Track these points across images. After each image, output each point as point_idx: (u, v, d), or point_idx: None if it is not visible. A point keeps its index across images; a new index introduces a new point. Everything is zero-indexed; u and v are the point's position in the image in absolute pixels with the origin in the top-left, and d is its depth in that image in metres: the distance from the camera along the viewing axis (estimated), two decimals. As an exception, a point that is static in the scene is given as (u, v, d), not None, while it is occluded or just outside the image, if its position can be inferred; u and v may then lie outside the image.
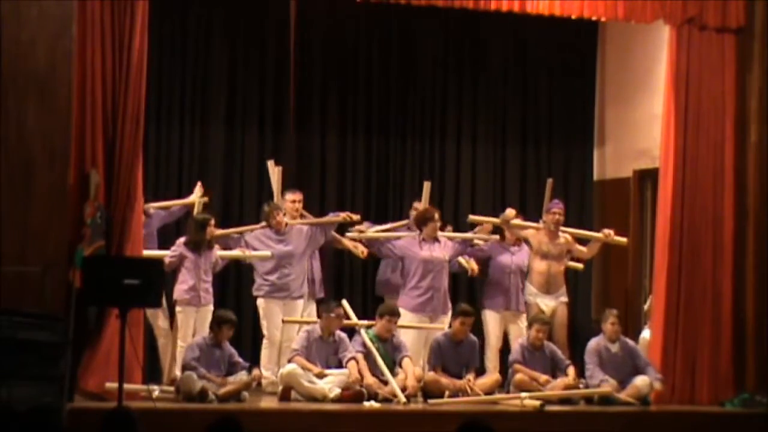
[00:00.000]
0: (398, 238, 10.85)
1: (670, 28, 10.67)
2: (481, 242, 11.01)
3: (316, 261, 10.85)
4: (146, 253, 9.79)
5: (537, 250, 10.87)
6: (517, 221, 11.04)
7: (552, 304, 10.85)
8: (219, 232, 10.48)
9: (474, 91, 12.44)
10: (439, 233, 10.78)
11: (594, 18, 10.81)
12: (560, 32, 12.10)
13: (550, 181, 11.75)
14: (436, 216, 10.73)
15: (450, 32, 12.29)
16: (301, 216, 10.81)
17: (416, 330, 10.56)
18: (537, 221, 11.27)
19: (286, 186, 11.01)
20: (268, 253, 10.38)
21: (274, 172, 11.02)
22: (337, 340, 9.96)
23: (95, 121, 9.09)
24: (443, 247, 10.73)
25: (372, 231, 10.95)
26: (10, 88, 8.69)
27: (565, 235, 10.97)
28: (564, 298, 10.92)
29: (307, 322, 10.25)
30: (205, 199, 10.76)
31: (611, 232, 10.99)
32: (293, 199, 10.81)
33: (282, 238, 10.49)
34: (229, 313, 9.85)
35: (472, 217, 11.24)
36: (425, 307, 10.58)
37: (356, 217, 10.80)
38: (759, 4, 10.69)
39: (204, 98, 11.69)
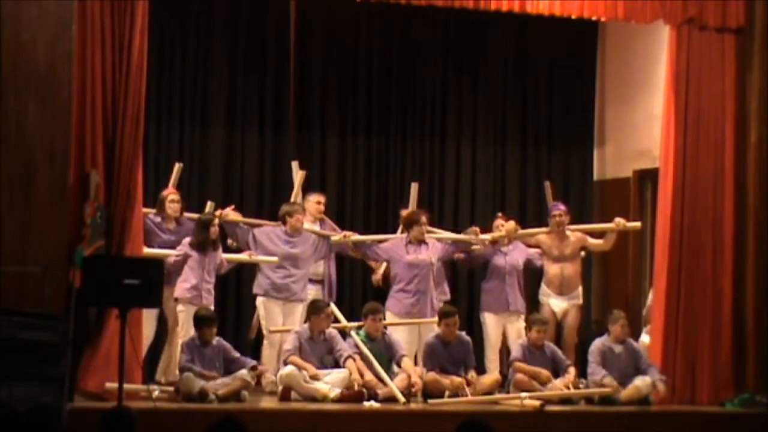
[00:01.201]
0: (385, 240, 10.84)
1: (670, 28, 10.67)
2: (478, 247, 10.98)
3: (333, 262, 10.88)
4: (151, 251, 9.85)
5: (548, 254, 10.89)
6: (523, 230, 11.05)
7: (564, 305, 10.86)
8: (232, 217, 10.50)
9: (474, 91, 12.44)
10: (428, 235, 10.78)
11: (594, 18, 10.81)
12: (560, 32, 12.10)
13: (547, 183, 11.74)
14: (423, 219, 10.69)
15: (450, 32, 12.29)
16: (321, 221, 10.84)
17: (407, 330, 10.54)
18: (539, 221, 11.28)
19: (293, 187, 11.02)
20: (274, 258, 10.38)
21: (297, 174, 11.02)
22: (328, 339, 9.95)
23: (95, 121, 9.08)
24: (430, 249, 10.69)
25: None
26: (10, 88, 8.68)
27: (576, 233, 10.96)
28: (577, 300, 10.92)
29: (288, 330, 10.22)
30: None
31: (622, 220, 10.97)
32: (318, 200, 10.87)
33: (291, 240, 10.48)
34: (207, 311, 9.79)
35: (479, 237, 11.08)
36: (412, 309, 10.54)
37: (353, 235, 10.79)
38: (759, 4, 10.69)
39: (204, 98, 11.70)
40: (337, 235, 10.70)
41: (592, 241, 11.03)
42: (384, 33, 12.19)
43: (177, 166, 10.78)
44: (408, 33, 12.22)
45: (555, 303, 10.87)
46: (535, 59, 12.57)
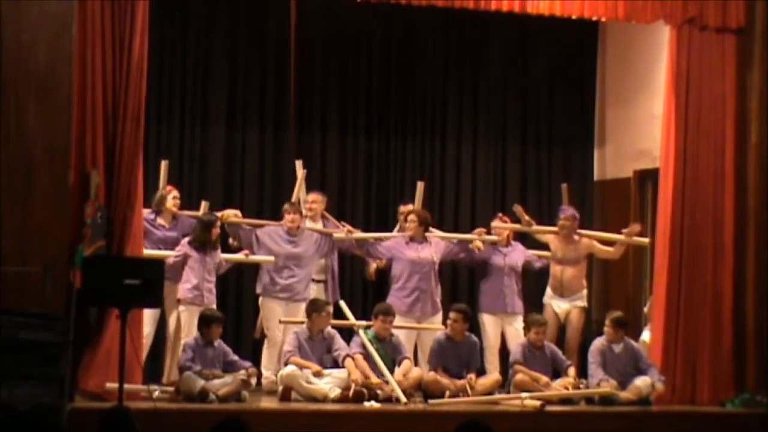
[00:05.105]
0: (387, 238, 10.84)
1: (670, 28, 10.67)
2: (480, 244, 10.98)
3: (335, 261, 10.84)
4: (153, 253, 9.85)
5: (553, 255, 10.91)
6: (539, 227, 11.08)
7: (565, 306, 10.86)
8: (234, 219, 10.51)
9: (474, 91, 12.44)
10: (435, 233, 10.78)
11: (594, 18, 10.81)
12: (561, 32, 12.10)
13: (564, 186, 11.78)
14: (411, 217, 10.68)
15: (450, 32, 12.30)
16: (323, 218, 10.85)
17: (406, 331, 10.54)
18: (540, 222, 11.29)
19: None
20: (271, 258, 10.38)
21: (300, 174, 11.03)
22: (327, 338, 9.96)
23: (95, 121, 9.09)
24: (432, 247, 10.70)
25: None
26: (10, 89, 8.69)
27: (584, 239, 10.94)
28: (580, 303, 10.91)
29: (300, 323, 10.22)
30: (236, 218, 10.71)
31: (638, 226, 10.99)
32: (313, 199, 10.85)
33: (293, 239, 10.49)
34: (215, 311, 9.85)
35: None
36: (412, 308, 10.54)
37: (356, 232, 10.84)
38: (759, 4, 10.69)
39: (204, 98, 11.70)
40: (341, 232, 10.72)
41: (601, 248, 11.01)
42: (384, 33, 12.19)
43: (164, 164, 10.72)
44: (408, 33, 12.23)
45: (557, 304, 10.88)
46: (536, 59, 12.57)
